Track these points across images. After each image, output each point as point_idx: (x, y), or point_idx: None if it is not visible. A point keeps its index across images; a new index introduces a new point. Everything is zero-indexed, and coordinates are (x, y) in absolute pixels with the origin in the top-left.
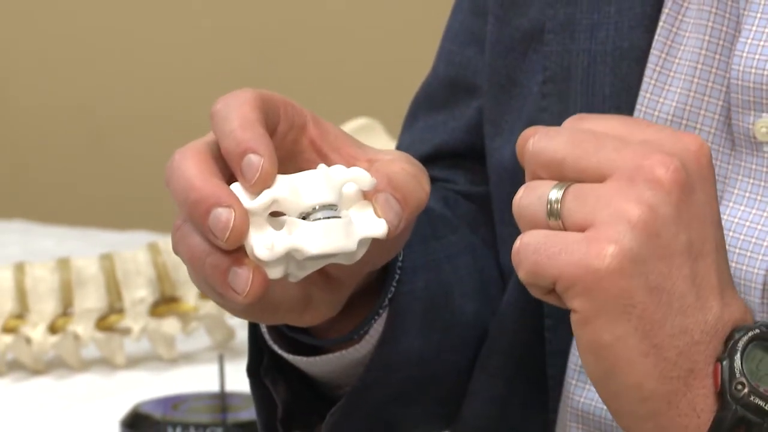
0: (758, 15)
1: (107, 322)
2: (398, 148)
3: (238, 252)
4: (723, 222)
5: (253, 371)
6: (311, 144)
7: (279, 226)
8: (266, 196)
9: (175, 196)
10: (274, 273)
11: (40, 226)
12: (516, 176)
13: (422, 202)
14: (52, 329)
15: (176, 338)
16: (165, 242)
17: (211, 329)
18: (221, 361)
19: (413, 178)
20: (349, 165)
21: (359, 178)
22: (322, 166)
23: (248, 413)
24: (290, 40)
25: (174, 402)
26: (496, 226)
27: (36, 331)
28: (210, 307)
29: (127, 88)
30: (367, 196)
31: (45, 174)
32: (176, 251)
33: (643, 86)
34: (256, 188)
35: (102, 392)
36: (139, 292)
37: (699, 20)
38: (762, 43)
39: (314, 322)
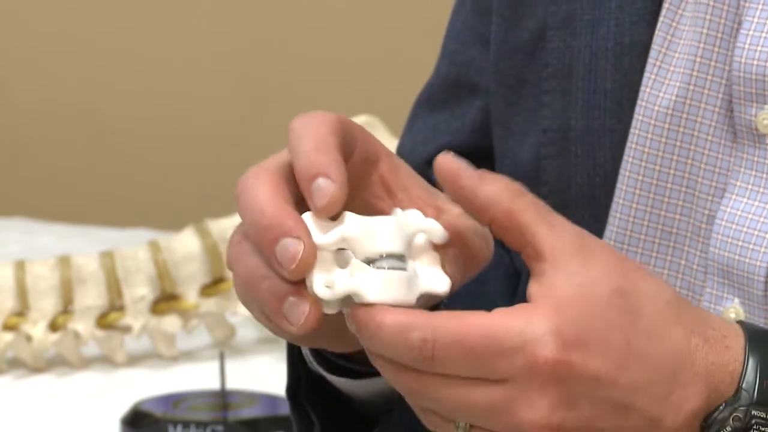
0: (759, 6)
1: (107, 319)
2: (400, 149)
3: (297, 282)
4: (725, 214)
5: (291, 393)
6: (381, 180)
7: (342, 261)
8: (337, 233)
9: (243, 217)
10: (330, 309)
11: (41, 224)
12: (534, 177)
13: (487, 262)
14: (53, 327)
15: (177, 336)
16: (165, 240)
17: (212, 327)
18: (222, 358)
19: (481, 236)
20: (415, 207)
21: (432, 230)
22: (397, 211)
23: (249, 411)
24: (291, 39)
25: (175, 400)
26: None
27: (36, 328)
28: (210, 304)
29: (127, 87)
30: (436, 247)
31: (45, 172)
32: (230, 267)
33: (644, 81)
34: (323, 214)
35: (102, 390)
36: (139, 290)
37: (696, 13)
38: (764, 34)
39: (350, 349)
